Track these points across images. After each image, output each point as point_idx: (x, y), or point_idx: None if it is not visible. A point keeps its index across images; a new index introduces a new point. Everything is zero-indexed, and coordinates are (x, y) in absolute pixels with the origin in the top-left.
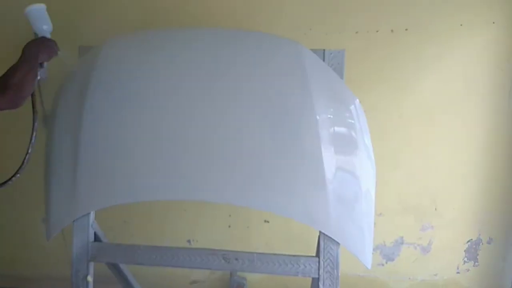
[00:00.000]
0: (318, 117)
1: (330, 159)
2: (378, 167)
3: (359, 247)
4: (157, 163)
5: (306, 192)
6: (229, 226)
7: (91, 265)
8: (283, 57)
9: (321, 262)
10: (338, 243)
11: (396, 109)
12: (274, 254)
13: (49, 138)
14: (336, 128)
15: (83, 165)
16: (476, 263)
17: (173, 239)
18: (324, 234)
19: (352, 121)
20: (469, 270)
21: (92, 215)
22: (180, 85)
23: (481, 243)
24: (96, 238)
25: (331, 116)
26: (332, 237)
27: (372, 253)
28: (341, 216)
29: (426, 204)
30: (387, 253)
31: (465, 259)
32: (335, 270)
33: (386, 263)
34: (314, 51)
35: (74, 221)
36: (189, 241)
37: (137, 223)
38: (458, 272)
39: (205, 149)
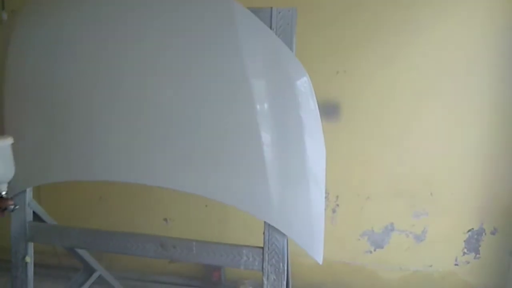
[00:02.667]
0: (253, 88)
1: (268, 137)
2: (364, 145)
3: (307, 239)
4: (87, 141)
5: (244, 176)
6: (206, 206)
7: (30, 245)
8: (213, 17)
9: (266, 255)
10: (284, 234)
11: (384, 79)
12: (215, 243)
13: None
14: (277, 103)
15: (15, 139)
16: (477, 255)
17: (149, 217)
18: (268, 224)
19: (298, 98)
20: (469, 262)
21: (29, 193)
22: (101, 49)
23: (484, 234)
24: (37, 218)
25: (270, 89)
26: (276, 226)
27: (359, 239)
28: (285, 204)
29: (419, 188)
30: (375, 239)
31: (465, 250)
32: (281, 264)
33: (375, 250)
34: (259, 9)
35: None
36: (165, 219)
37: (113, 199)
38: (456, 264)
39: (129, 125)
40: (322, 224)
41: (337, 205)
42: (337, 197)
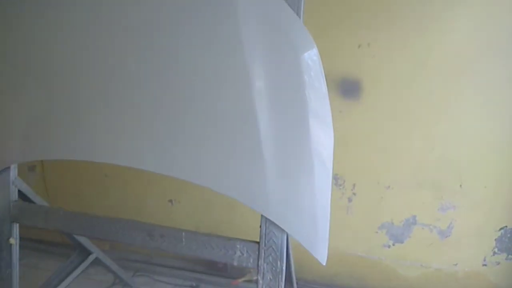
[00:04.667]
0: (248, 59)
1: (266, 118)
2: (387, 127)
3: (309, 236)
4: (72, 120)
5: (236, 161)
6: None
7: (15, 226)
8: None
9: (262, 251)
10: (284, 230)
11: (414, 55)
12: (207, 235)
13: None
14: (278, 78)
15: None
16: (509, 256)
17: (154, 197)
18: (265, 217)
19: (303, 73)
20: (499, 263)
21: (13, 171)
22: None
23: None
24: (23, 197)
25: (270, 61)
26: (274, 220)
27: (377, 232)
28: (285, 195)
29: (448, 179)
30: (395, 233)
31: (496, 250)
32: (279, 262)
33: (393, 244)
34: None
35: None
36: (171, 201)
37: (119, 177)
38: (484, 265)
39: (113, 104)
40: (328, 220)
41: (354, 194)
42: (354, 185)
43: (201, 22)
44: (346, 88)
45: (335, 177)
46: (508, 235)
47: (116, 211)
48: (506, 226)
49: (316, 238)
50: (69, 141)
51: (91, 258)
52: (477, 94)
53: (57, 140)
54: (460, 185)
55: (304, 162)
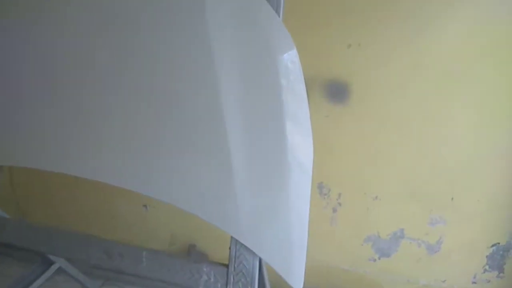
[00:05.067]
0: (216, 58)
1: (238, 126)
2: (377, 134)
3: (285, 261)
4: (39, 128)
5: (201, 173)
6: None
7: None
8: None
9: (230, 276)
10: (256, 254)
11: (408, 57)
12: (170, 256)
13: None
14: (251, 83)
15: None
16: (500, 274)
17: (128, 202)
18: (235, 238)
19: (280, 76)
20: (489, 281)
21: None
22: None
23: (511, 250)
24: None
25: (242, 62)
26: (244, 243)
27: (362, 245)
28: (259, 215)
29: (439, 191)
30: (381, 246)
31: (487, 267)
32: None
33: (379, 258)
34: None
35: None
36: (145, 206)
37: (91, 180)
38: (474, 282)
39: (74, 111)
40: (305, 241)
41: (339, 203)
42: (340, 194)
43: (165, 18)
44: (333, 91)
45: (320, 186)
46: (501, 252)
47: (87, 215)
48: (499, 243)
49: (292, 263)
50: (36, 149)
51: (54, 267)
52: (473, 102)
53: (24, 147)
54: (452, 198)
55: (280, 177)
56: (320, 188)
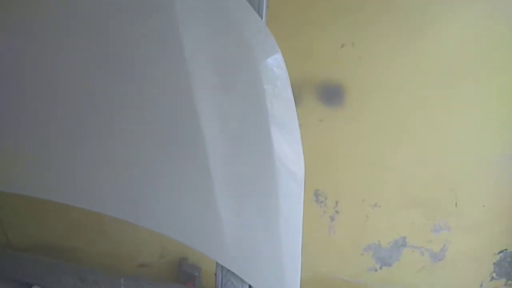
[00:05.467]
0: (191, 65)
1: (218, 143)
2: (375, 139)
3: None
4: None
5: (184, 198)
6: None
7: None
8: None
9: None
10: (244, 280)
11: (406, 56)
12: (149, 283)
13: None
14: (232, 91)
15: None
16: (509, 281)
17: None
18: (221, 265)
19: (263, 84)
20: None
21: None
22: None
23: None
24: None
25: (222, 72)
26: (233, 270)
27: (362, 254)
28: (246, 239)
29: (442, 197)
30: (382, 256)
31: (494, 274)
32: None
33: (381, 268)
34: None
35: None
36: None
37: None
38: None
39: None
40: (299, 265)
41: (337, 212)
42: (337, 202)
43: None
44: (327, 94)
45: (316, 193)
46: (508, 259)
47: (76, 227)
48: (506, 249)
49: None
50: (14, 174)
51: None
52: (476, 104)
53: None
54: (456, 204)
55: (269, 193)
56: (316, 196)
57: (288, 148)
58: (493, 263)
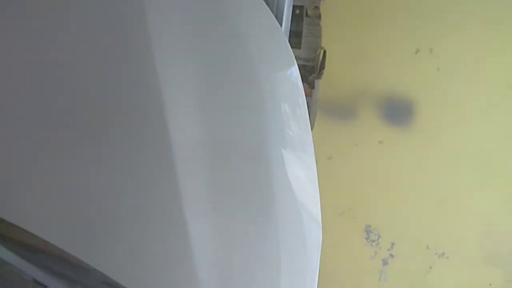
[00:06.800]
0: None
1: (197, 202)
2: (447, 170)
3: None
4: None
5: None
6: None
7: None
8: None
9: None
10: None
11: (498, 73)
12: None
13: None
14: (235, 110)
15: None
16: None
17: None
18: None
19: (276, 101)
20: None
21: None
22: None
23: None
24: None
25: (227, 84)
26: None
27: None
28: None
29: None
30: None
31: None
32: None
33: None
34: None
35: None
36: None
37: None
38: None
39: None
40: None
41: (391, 255)
42: (393, 244)
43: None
44: (391, 110)
45: (367, 229)
46: None
47: None
48: None
49: None
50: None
51: None
52: None
53: None
54: None
55: (276, 243)
56: (367, 233)
57: (305, 182)
58: None
